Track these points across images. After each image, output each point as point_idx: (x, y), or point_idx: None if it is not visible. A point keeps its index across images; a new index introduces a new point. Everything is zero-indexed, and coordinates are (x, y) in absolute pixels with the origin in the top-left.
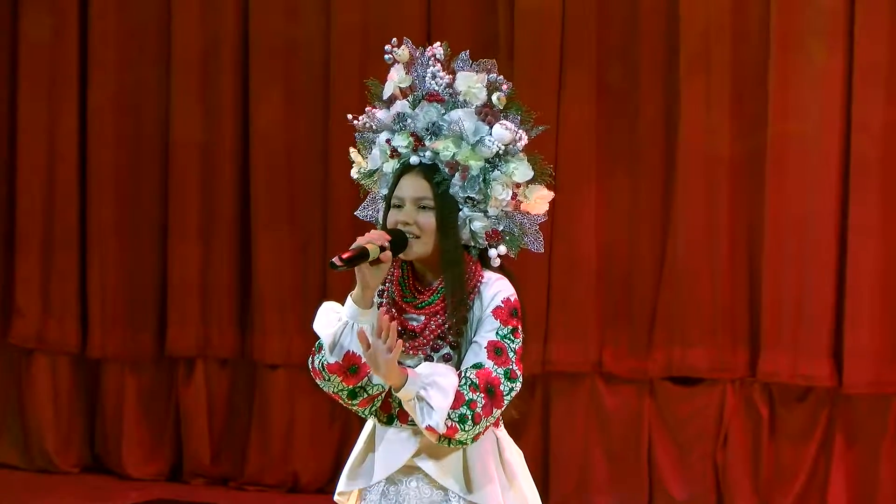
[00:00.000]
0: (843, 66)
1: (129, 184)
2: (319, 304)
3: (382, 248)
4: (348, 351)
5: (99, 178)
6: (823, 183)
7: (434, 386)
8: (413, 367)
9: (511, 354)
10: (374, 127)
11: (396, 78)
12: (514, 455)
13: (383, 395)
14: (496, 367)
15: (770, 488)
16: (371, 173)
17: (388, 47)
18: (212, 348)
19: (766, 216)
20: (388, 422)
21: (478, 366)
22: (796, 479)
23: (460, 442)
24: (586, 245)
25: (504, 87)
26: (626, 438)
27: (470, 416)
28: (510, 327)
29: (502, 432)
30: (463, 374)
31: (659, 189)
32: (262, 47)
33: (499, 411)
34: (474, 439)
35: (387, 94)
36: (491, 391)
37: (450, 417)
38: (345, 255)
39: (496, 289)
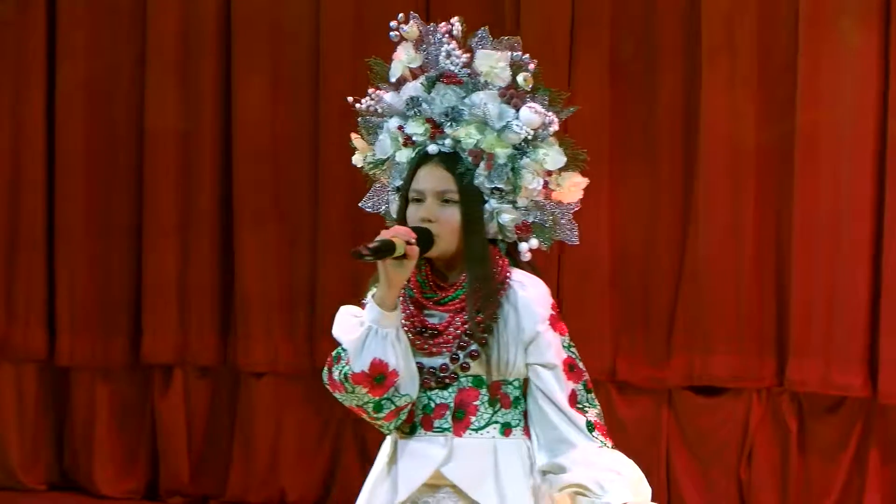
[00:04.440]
0: (878, 48)
1: (100, 177)
2: (308, 307)
3: (409, 244)
4: (374, 358)
5: (68, 170)
6: (857, 175)
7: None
8: (434, 366)
9: (579, 363)
10: (380, 111)
11: (404, 57)
12: None
13: (410, 406)
14: (575, 384)
15: None
16: (381, 162)
17: (393, 24)
18: (191, 355)
19: (795, 211)
20: (411, 431)
21: (590, 426)
22: (827, 496)
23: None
24: (599, 243)
25: (530, 66)
26: (642, 453)
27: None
28: (567, 335)
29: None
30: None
31: (678, 181)
32: (245, 28)
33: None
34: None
35: (394, 75)
36: (599, 418)
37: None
38: (371, 245)
39: (535, 292)
